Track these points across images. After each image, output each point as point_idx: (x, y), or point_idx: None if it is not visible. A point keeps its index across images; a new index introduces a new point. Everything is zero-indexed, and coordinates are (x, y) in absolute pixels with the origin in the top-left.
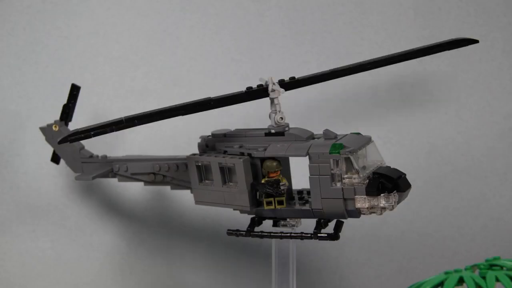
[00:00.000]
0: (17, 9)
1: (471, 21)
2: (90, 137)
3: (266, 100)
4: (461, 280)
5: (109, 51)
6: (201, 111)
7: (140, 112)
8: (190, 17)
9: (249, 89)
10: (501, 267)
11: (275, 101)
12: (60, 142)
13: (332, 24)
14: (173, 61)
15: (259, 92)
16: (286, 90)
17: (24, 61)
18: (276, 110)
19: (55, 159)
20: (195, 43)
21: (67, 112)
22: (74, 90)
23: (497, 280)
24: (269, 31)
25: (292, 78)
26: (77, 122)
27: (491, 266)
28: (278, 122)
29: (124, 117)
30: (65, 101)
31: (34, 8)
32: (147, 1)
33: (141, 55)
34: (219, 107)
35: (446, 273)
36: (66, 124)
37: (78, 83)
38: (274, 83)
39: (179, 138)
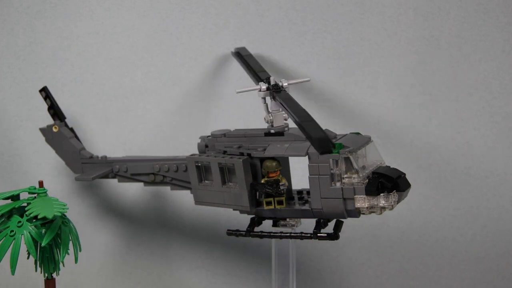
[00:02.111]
0: (17, 9)
1: (471, 21)
2: None
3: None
4: None
5: (109, 51)
6: None
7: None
8: (190, 17)
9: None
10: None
11: (261, 101)
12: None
13: (332, 24)
14: (173, 61)
15: (274, 88)
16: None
17: (24, 61)
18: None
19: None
20: (195, 43)
21: (55, 112)
22: (44, 92)
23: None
24: (269, 31)
25: (275, 86)
26: (78, 122)
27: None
28: (285, 118)
29: None
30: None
31: (34, 8)
32: (147, 1)
33: (141, 55)
34: None
35: None
36: (62, 121)
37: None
38: (265, 85)
39: (179, 138)
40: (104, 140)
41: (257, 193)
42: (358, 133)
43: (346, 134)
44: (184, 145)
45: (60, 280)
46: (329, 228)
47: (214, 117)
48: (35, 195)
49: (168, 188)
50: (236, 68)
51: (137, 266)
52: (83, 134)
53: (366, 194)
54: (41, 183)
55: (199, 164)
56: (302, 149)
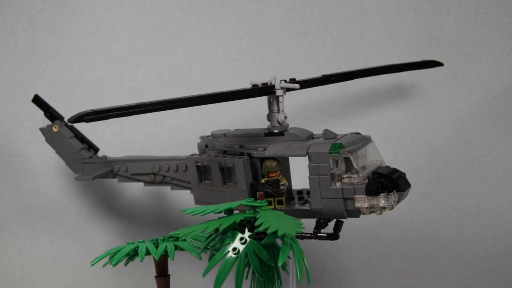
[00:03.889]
0: (17, 9)
1: (471, 21)
2: (106, 119)
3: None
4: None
5: (109, 51)
6: (210, 103)
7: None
8: (190, 17)
9: (255, 86)
10: (177, 238)
11: (280, 99)
12: (73, 122)
13: (332, 24)
14: (173, 61)
15: (264, 90)
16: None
17: (24, 61)
18: (280, 109)
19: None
20: (195, 43)
21: (52, 116)
22: (37, 100)
23: (166, 249)
24: (269, 31)
25: (292, 80)
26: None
27: (170, 238)
28: (282, 121)
29: (144, 102)
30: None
31: (34, 8)
32: (147, 1)
33: (141, 55)
34: (226, 101)
35: (128, 243)
36: (62, 121)
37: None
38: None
39: (179, 138)
40: (104, 140)
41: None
42: (358, 133)
43: (346, 134)
44: (184, 145)
45: (60, 280)
46: (329, 228)
47: (214, 117)
48: (254, 208)
49: (168, 188)
50: (237, 68)
51: (137, 266)
52: (83, 134)
53: (366, 194)
54: (261, 196)
55: (199, 164)
56: (302, 149)
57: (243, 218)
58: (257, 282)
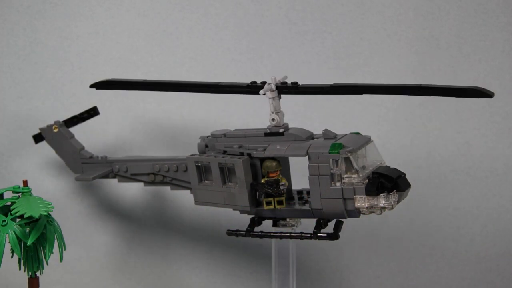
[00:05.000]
0: (17, 9)
1: (471, 21)
2: (119, 89)
3: (267, 100)
4: None
5: (109, 51)
6: (210, 92)
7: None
8: (190, 17)
9: (253, 83)
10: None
11: (269, 101)
12: (91, 86)
13: (332, 24)
14: (173, 61)
15: (258, 88)
16: (279, 93)
17: (24, 61)
18: (270, 111)
19: (38, 138)
20: (195, 43)
21: (75, 121)
22: (92, 111)
23: None
24: (269, 31)
25: (294, 83)
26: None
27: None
28: (270, 122)
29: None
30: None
31: (34, 8)
32: (147, 1)
33: (141, 55)
34: (225, 93)
35: None
36: (67, 127)
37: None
38: (273, 84)
39: (179, 138)
40: (104, 140)
41: (257, 193)
42: (358, 133)
43: (346, 134)
44: (184, 145)
45: (60, 280)
46: (329, 228)
47: (214, 117)
48: (19, 194)
49: (168, 188)
50: (237, 68)
51: (137, 266)
52: (83, 134)
53: (366, 194)
54: (25, 182)
55: (199, 164)
56: (302, 149)
57: (6, 204)
58: (23, 261)
